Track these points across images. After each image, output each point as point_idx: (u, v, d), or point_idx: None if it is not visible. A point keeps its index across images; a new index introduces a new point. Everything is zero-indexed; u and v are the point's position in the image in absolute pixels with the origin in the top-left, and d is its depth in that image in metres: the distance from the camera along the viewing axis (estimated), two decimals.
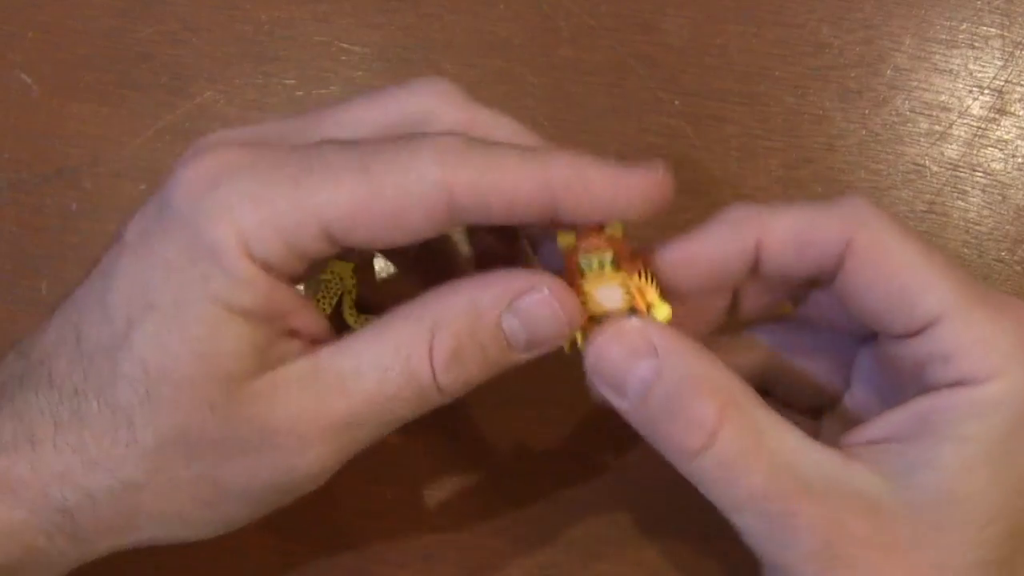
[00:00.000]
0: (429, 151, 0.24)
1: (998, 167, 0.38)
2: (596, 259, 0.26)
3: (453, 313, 0.25)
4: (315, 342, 0.26)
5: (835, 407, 0.30)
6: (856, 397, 0.29)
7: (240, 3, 0.39)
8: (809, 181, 0.37)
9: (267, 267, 0.24)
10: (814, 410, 0.30)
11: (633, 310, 0.26)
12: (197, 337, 0.23)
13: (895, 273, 0.25)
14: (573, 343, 0.26)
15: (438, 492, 0.34)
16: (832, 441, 0.25)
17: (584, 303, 0.26)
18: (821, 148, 0.38)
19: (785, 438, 0.24)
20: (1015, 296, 0.25)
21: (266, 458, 0.24)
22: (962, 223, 0.37)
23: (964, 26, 0.40)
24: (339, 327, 0.31)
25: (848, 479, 0.24)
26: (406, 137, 0.24)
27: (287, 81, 0.38)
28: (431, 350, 0.24)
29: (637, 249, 0.26)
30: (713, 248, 0.26)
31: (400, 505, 0.33)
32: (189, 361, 0.23)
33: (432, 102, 0.27)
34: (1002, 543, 0.23)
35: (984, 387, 0.23)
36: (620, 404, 0.25)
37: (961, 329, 0.24)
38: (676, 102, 0.38)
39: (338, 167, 0.24)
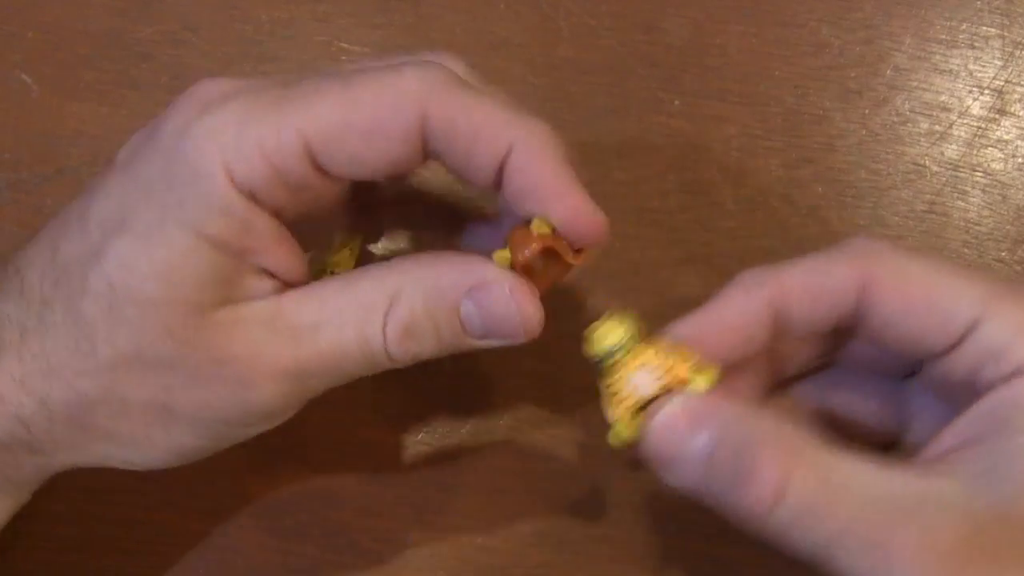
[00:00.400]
0: (413, 71, 0.24)
1: (998, 167, 0.38)
2: (606, 348, 0.25)
3: (414, 287, 0.25)
4: (289, 285, 0.26)
5: (898, 446, 0.29)
6: (917, 432, 0.29)
7: (240, 3, 0.39)
8: (809, 181, 0.37)
9: (250, 194, 0.24)
10: (880, 449, 0.30)
11: (669, 388, 0.25)
12: (164, 261, 0.24)
13: (923, 293, 0.25)
14: (620, 438, 0.26)
15: (438, 492, 0.34)
16: None
17: (622, 399, 0.26)
18: (821, 148, 0.38)
19: (858, 470, 0.24)
20: None
21: (216, 388, 0.25)
22: (962, 223, 0.37)
23: (964, 26, 0.40)
24: None
25: (930, 495, 0.23)
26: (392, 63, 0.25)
27: None
28: (385, 319, 0.25)
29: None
30: (729, 316, 0.26)
31: (400, 505, 0.33)
32: (154, 284, 0.24)
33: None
34: None
35: None
36: (686, 483, 0.25)
37: (1003, 323, 0.24)
38: (676, 102, 0.38)
39: (322, 85, 0.24)
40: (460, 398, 0.35)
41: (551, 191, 0.25)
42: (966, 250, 0.37)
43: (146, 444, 0.26)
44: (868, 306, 0.25)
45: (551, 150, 0.25)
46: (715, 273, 0.36)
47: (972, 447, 0.24)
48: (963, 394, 0.25)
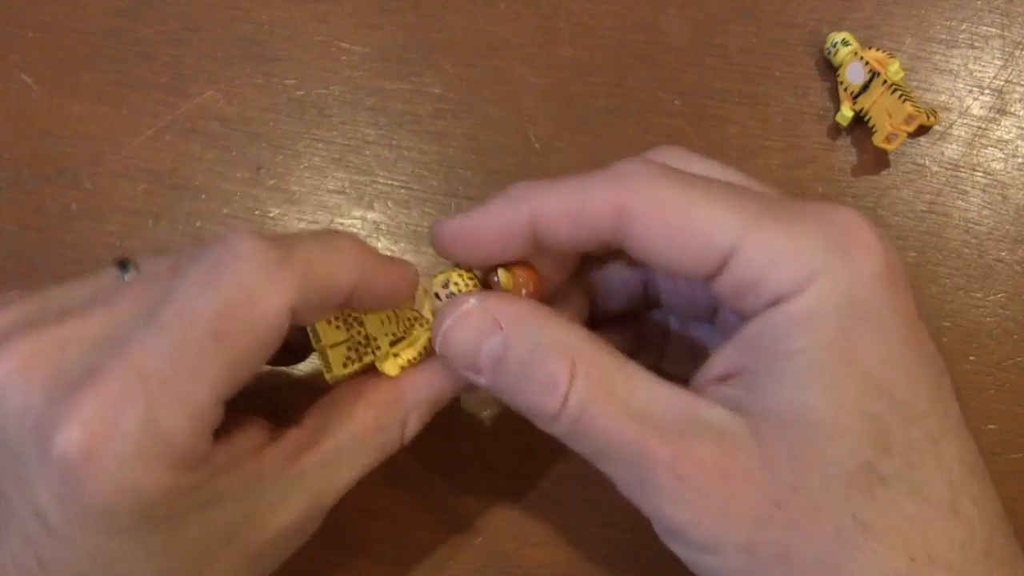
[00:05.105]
0: (250, 267, 0.23)
1: (998, 167, 0.38)
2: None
3: (419, 401, 0.28)
4: (278, 437, 0.26)
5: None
6: (721, 326, 0.29)
7: (240, 3, 0.39)
8: (809, 181, 0.37)
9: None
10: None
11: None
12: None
13: (676, 223, 0.24)
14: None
15: (438, 492, 0.34)
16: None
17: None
18: (821, 148, 0.38)
19: (635, 384, 0.24)
20: (839, 207, 0.24)
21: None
22: (962, 223, 0.37)
23: (964, 26, 0.40)
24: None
25: (696, 414, 0.24)
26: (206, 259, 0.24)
27: (287, 81, 0.38)
28: (403, 435, 0.27)
29: None
30: (490, 225, 0.26)
31: (400, 505, 0.33)
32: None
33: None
34: (857, 454, 0.23)
35: (796, 300, 0.23)
36: (478, 381, 0.26)
37: (758, 252, 0.23)
38: (676, 102, 0.38)
39: (183, 343, 0.23)
40: (460, 400, 0.35)
41: (391, 283, 0.27)
42: (966, 250, 0.37)
43: None
44: (626, 232, 0.25)
45: (377, 257, 0.27)
46: None
47: (734, 376, 0.25)
48: (739, 311, 0.25)
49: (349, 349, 0.27)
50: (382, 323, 0.28)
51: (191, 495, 0.23)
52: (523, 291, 0.27)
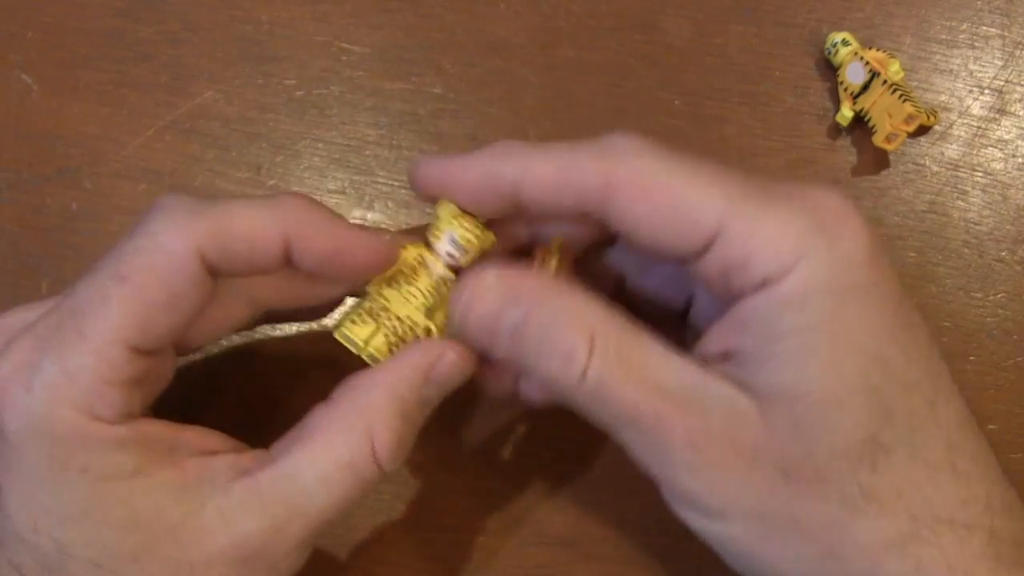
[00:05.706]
0: (159, 216, 0.25)
1: (998, 167, 0.38)
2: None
3: (382, 412, 0.26)
4: (238, 451, 0.26)
5: (687, 319, 0.30)
6: (698, 311, 0.29)
7: (240, 3, 0.39)
8: (809, 181, 0.37)
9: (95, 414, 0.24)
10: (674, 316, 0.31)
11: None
12: (108, 521, 0.24)
13: (662, 200, 0.25)
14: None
15: (438, 492, 0.34)
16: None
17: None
18: (821, 148, 0.38)
19: (650, 355, 0.25)
20: (822, 189, 0.25)
21: None
22: (962, 223, 0.37)
23: (964, 26, 0.40)
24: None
25: (707, 387, 0.25)
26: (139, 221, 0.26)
27: (287, 81, 0.38)
28: (375, 452, 0.25)
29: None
30: (472, 171, 0.26)
31: (400, 505, 0.33)
32: (126, 538, 0.24)
33: None
34: (860, 426, 0.24)
35: (785, 282, 0.23)
36: (495, 352, 0.26)
37: (745, 233, 0.24)
38: (676, 102, 0.38)
39: (92, 285, 0.24)
40: (457, 399, 0.35)
41: (341, 248, 0.26)
42: (966, 250, 0.37)
43: None
44: (612, 207, 0.25)
45: (324, 217, 0.26)
46: None
47: (733, 354, 0.25)
48: (724, 291, 0.25)
49: (387, 335, 0.28)
50: (407, 300, 0.28)
51: (108, 454, 0.24)
52: (561, 270, 0.28)
